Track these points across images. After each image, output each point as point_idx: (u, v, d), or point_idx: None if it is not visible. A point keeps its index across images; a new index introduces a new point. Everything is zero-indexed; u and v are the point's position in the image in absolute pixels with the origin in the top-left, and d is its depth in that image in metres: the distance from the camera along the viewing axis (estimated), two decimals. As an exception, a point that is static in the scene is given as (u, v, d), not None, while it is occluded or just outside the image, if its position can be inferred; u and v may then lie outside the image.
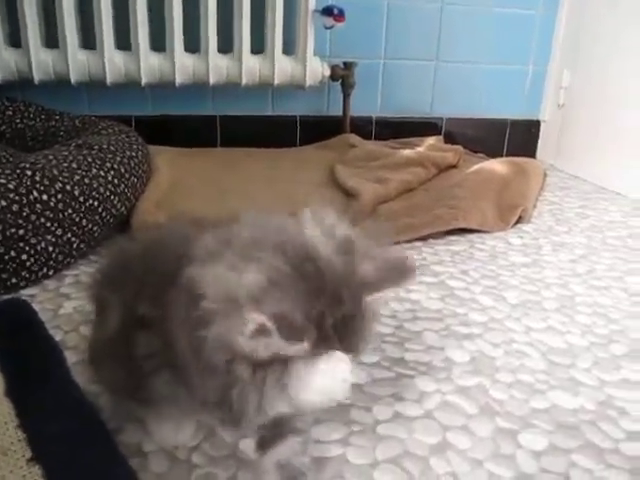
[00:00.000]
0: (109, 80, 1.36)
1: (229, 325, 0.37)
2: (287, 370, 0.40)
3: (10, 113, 1.27)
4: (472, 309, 0.82)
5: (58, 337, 0.69)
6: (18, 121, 1.26)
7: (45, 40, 1.34)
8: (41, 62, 1.32)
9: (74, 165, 0.88)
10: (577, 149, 1.66)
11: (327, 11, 1.42)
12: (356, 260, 0.40)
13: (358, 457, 0.52)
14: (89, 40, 1.35)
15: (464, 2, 1.64)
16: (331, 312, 0.38)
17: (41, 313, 0.72)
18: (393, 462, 0.52)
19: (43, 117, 1.28)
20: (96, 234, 0.90)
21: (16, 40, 1.31)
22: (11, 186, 0.77)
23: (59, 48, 1.33)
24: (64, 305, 0.77)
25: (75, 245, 0.86)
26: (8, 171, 0.79)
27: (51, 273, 0.83)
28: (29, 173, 0.80)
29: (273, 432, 0.47)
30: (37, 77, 1.33)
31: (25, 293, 0.80)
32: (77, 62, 1.34)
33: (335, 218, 0.43)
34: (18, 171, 0.79)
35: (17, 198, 0.76)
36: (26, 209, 0.77)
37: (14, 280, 0.78)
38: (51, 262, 0.82)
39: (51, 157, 0.87)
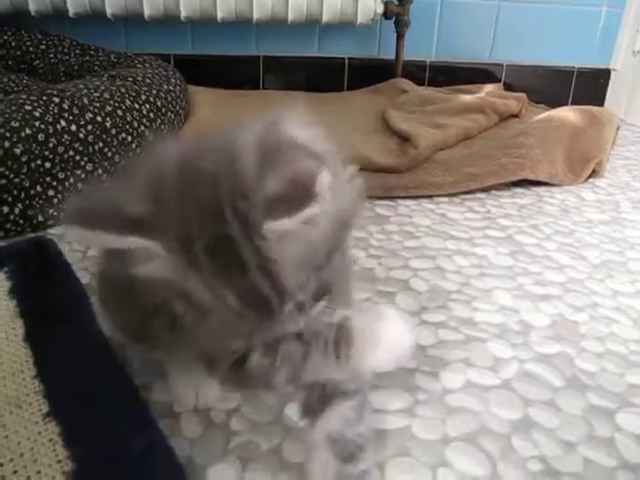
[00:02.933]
0: (147, 13, 1.27)
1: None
2: (338, 339, 0.36)
3: (43, 47, 1.20)
4: (547, 267, 0.72)
5: (85, 280, 0.62)
6: (52, 56, 1.19)
7: (80, -31, 1.25)
8: (76, -7, 1.24)
9: (106, 95, 0.80)
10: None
11: (383, -62, 1.29)
12: (268, 173, 0.29)
13: (426, 431, 0.44)
14: (126, -31, 1.25)
15: None
16: (208, 230, 0.29)
17: (68, 255, 0.66)
18: (468, 439, 0.44)
19: (78, 52, 1.20)
20: (129, 172, 0.83)
21: (50, -32, 1.23)
22: (37, 113, 0.69)
23: (95, -22, 1.24)
24: (93, 246, 0.71)
25: (106, 183, 0.79)
26: (34, 97, 0.71)
27: (81, 212, 0.76)
28: (56, 100, 0.72)
29: (319, 396, 0.40)
30: (72, 9, 1.25)
31: (53, 233, 0.73)
32: (113, -7, 1.25)
33: (298, 124, 0.33)
34: (45, 98, 0.72)
35: (43, 127, 0.69)
36: (53, 139, 0.70)
37: (40, 218, 0.72)
38: (81, 200, 0.75)
39: (82, 86, 0.80)
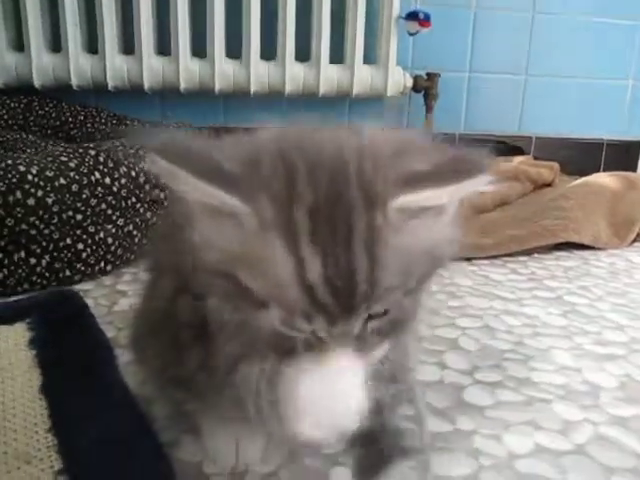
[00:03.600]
0: (183, 87, 1.31)
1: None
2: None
3: (82, 118, 1.23)
4: (605, 327, 0.66)
5: (110, 334, 0.58)
6: (89, 125, 1.22)
7: (121, 46, 1.30)
8: (116, 68, 1.28)
9: (141, 152, 0.79)
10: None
11: (412, 16, 1.33)
12: (407, 156, 0.27)
13: (494, 501, 0.38)
14: (164, 46, 1.30)
15: (557, 11, 1.51)
16: (320, 188, 0.26)
17: (94, 309, 0.63)
18: (545, 512, 0.37)
19: (114, 122, 1.23)
20: (160, 231, 0.81)
21: (92, 47, 1.29)
22: (72, 164, 0.68)
23: (134, 54, 1.29)
24: (119, 302, 0.67)
25: (137, 239, 0.76)
26: (70, 150, 0.71)
27: (109, 268, 0.74)
28: (92, 153, 0.72)
29: (376, 454, 0.34)
30: (111, 83, 1.29)
31: (79, 288, 0.70)
32: (152, 69, 1.29)
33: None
34: (81, 150, 0.71)
35: (77, 177, 0.68)
36: (86, 191, 0.68)
37: (68, 272, 0.69)
38: (109, 256, 0.73)
39: (117, 143, 0.80)
